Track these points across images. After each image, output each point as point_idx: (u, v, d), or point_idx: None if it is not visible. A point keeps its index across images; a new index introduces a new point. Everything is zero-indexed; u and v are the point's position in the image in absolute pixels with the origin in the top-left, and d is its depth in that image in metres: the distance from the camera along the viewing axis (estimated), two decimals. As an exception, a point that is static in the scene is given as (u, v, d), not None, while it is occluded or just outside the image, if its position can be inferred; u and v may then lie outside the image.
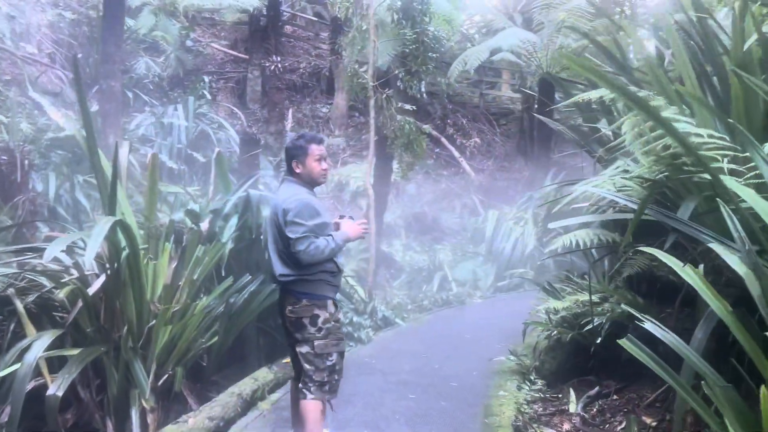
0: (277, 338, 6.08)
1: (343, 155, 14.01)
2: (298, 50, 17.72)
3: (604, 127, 5.02)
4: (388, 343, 6.51)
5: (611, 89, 2.83)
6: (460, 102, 15.73)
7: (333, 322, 3.36)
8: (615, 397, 4.37)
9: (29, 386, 3.78)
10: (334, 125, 14.73)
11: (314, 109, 15.20)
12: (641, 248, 2.74)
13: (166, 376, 4.34)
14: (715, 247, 2.62)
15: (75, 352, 3.98)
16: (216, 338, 4.76)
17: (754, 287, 2.40)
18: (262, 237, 5.83)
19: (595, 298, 4.84)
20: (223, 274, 5.40)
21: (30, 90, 9.68)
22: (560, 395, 4.77)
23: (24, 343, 3.91)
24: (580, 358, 4.90)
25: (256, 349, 5.69)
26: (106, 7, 8.77)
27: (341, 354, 3.41)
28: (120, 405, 4.15)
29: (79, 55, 11.28)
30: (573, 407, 4.37)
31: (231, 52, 16.70)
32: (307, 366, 3.31)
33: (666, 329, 2.51)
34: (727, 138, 2.84)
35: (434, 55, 7.18)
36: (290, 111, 14.91)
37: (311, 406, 3.29)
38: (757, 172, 2.75)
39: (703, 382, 2.38)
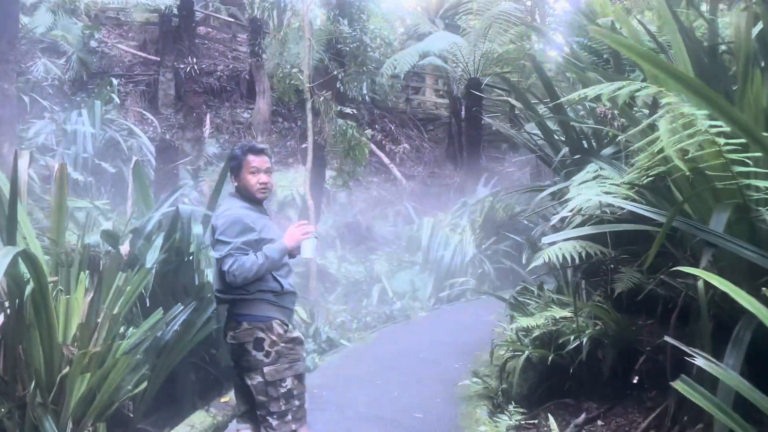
0: (211, 372, 5.37)
1: (268, 163, 13.23)
2: (213, 53, 16.74)
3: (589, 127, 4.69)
4: (337, 369, 5.92)
5: (655, 67, 2.45)
6: (387, 108, 15.33)
7: (283, 344, 3.04)
8: (600, 423, 4.02)
9: None
10: (256, 131, 13.89)
11: (234, 114, 14.32)
12: (683, 269, 2.34)
13: (85, 434, 3.58)
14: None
15: (-36, 416, 3.17)
16: (145, 383, 4.01)
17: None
18: (193, 258, 5.12)
19: (565, 313, 4.51)
20: (147, 304, 4.65)
21: None
22: (536, 421, 4.38)
23: None
24: (554, 380, 4.53)
25: (190, 387, 4.95)
26: (-3, 0, 7.67)
27: (298, 377, 3.08)
28: (27, 476, 3.35)
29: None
30: (556, 437, 3.98)
31: (140, 53, 15.51)
32: (260, 398, 3.00)
33: (721, 365, 2.12)
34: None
35: (374, 54, 6.69)
36: (208, 116, 13.96)
37: None
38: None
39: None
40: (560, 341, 4.27)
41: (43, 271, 3.36)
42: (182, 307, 4.63)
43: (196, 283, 5.25)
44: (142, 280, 4.19)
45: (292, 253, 3.21)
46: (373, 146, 14.16)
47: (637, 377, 3.99)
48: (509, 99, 15.52)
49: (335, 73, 6.64)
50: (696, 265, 3.37)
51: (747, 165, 2.46)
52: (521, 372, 4.73)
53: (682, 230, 3.66)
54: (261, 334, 2.99)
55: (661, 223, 3.36)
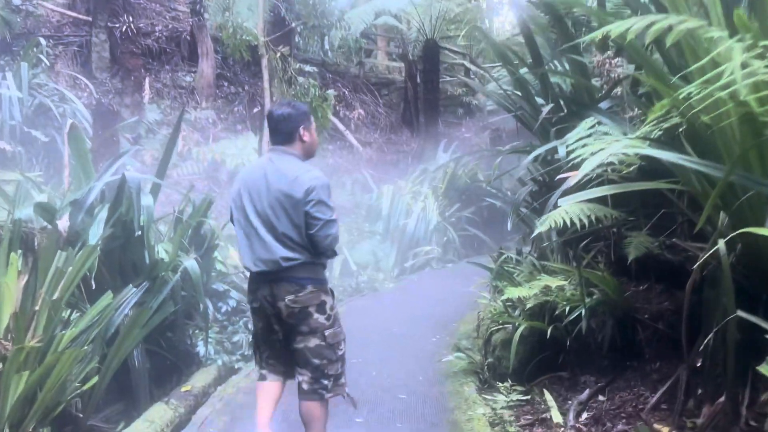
0: (168, 358, 4.87)
1: (215, 130, 12.43)
2: (150, 12, 15.53)
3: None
4: (306, 348, 5.49)
5: None
6: (339, 71, 14.66)
7: (336, 308, 3.16)
8: (602, 398, 3.75)
9: None
10: (200, 96, 13.01)
11: (176, 78, 13.35)
12: (752, 230, 2.00)
13: (26, 441, 3.05)
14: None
15: None
16: (95, 378, 3.48)
17: None
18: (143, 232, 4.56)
19: (560, 282, 4.21)
20: (93, 287, 4.08)
21: None
22: (529, 397, 4.09)
23: None
24: (547, 352, 4.24)
25: (145, 377, 4.43)
26: None
27: (344, 341, 3.17)
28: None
29: None
30: (556, 414, 3.70)
31: (69, 13, 14.24)
32: (317, 361, 2.99)
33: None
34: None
35: (335, 3, 6.12)
36: (147, 80, 12.98)
37: (324, 408, 3.03)
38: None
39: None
40: (556, 312, 3.97)
41: (-38, 252, 2.78)
42: (134, 288, 4.10)
43: (147, 260, 4.70)
44: (85, 260, 3.62)
45: None
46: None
47: (640, 348, 3.75)
48: (464, 63, 15.13)
49: (293, 25, 6.04)
50: (712, 230, 3.11)
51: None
52: (508, 345, 4.42)
53: (687, 191, 3.40)
54: (324, 297, 3.03)
55: (677, 180, 3.07)
